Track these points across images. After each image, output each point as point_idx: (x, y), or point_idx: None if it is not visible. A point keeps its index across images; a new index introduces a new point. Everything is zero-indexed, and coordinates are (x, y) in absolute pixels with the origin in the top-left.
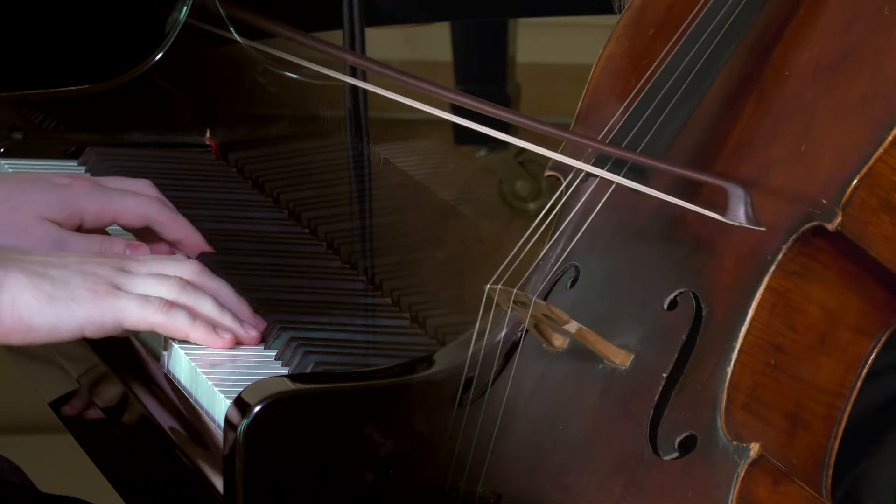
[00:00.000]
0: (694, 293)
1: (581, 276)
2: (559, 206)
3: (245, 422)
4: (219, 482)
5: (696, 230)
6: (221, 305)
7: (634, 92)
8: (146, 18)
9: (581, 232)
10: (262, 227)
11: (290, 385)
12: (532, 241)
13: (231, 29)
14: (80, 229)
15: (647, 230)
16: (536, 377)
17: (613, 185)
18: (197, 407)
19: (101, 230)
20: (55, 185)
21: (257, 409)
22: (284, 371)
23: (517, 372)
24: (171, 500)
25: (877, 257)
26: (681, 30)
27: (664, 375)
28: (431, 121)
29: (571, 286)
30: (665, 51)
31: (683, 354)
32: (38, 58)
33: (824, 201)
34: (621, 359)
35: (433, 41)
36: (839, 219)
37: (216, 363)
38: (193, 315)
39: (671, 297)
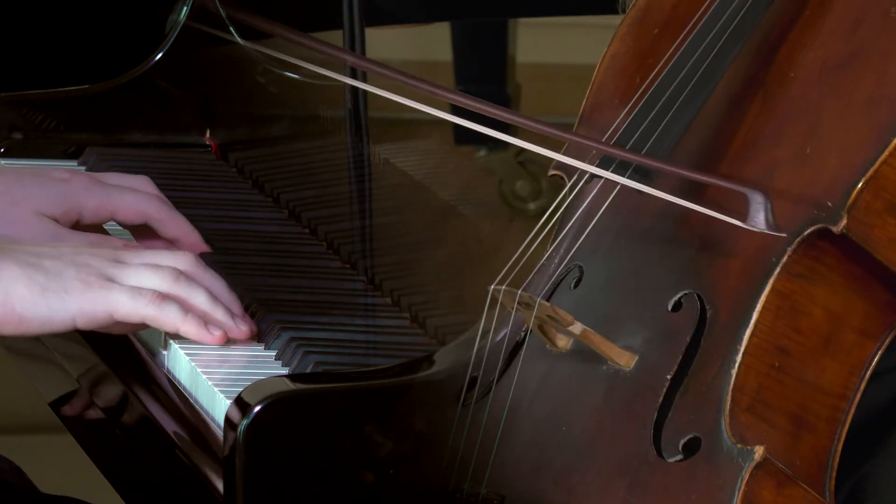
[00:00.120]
0: (698, 295)
1: (585, 276)
2: (564, 206)
3: (245, 422)
4: (219, 482)
5: (700, 232)
6: (215, 298)
7: (640, 92)
8: (146, 19)
9: (586, 233)
10: (262, 227)
11: (290, 385)
12: (537, 242)
13: (232, 30)
14: (78, 225)
15: (652, 231)
16: (540, 378)
17: (619, 186)
18: (197, 407)
19: (99, 226)
20: (54, 179)
21: (257, 409)
22: (284, 371)
23: (521, 372)
24: (171, 500)
25: (882, 260)
26: (686, 30)
27: (668, 377)
28: (431, 121)
29: (575, 287)
30: (670, 51)
31: (688, 356)
32: (38, 58)
33: (829, 204)
34: (625, 360)
35: (433, 41)
36: (844, 221)
37: (216, 363)
38: (186, 308)
39: (675, 298)
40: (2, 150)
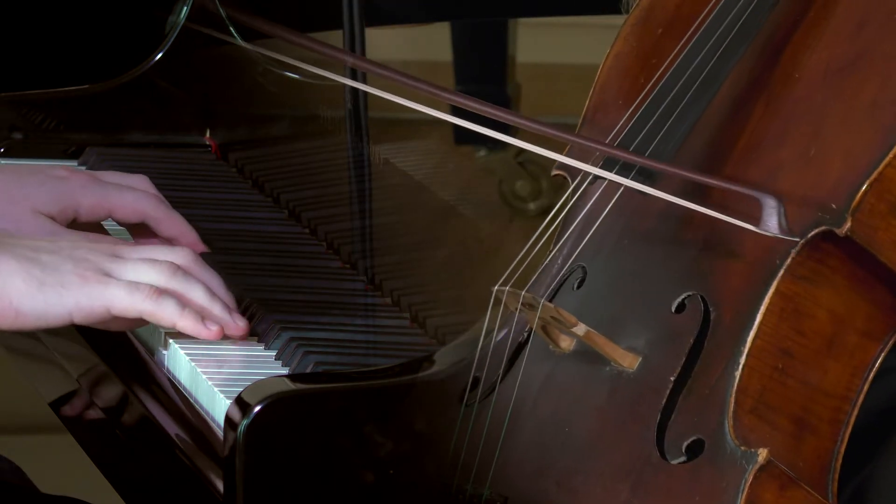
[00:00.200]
0: (702, 296)
1: (588, 277)
2: (567, 207)
3: (245, 422)
4: (219, 482)
5: (704, 233)
6: (212, 293)
7: (643, 93)
8: (146, 18)
9: (589, 234)
10: (262, 227)
11: (290, 385)
12: (541, 243)
13: (233, 31)
14: (75, 223)
15: (655, 232)
16: (543, 379)
17: (622, 187)
18: (197, 407)
19: (96, 224)
20: (52, 177)
21: (257, 408)
22: (284, 371)
23: (524, 373)
24: (171, 500)
25: (885, 262)
26: (690, 30)
27: (672, 379)
28: (431, 121)
29: (578, 287)
30: (674, 51)
31: (691, 358)
32: (38, 58)
33: (833, 206)
34: (629, 361)
35: (433, 41)
36: (849, 224)
37: (216, 363)
38: (183, 303)
39: (679, 300)
40: (2, 150)
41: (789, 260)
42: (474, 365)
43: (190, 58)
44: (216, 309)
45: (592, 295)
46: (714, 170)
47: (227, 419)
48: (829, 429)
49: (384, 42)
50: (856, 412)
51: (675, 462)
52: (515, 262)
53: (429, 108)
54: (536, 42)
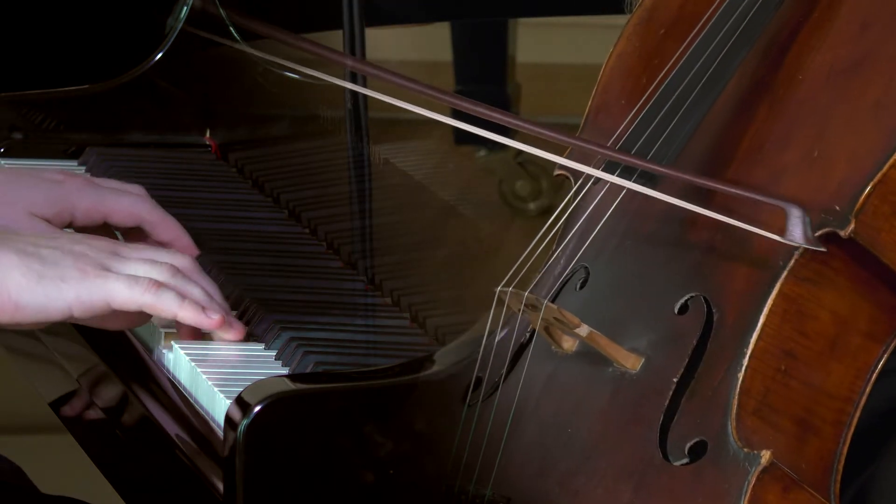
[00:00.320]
0: (705, 297)
1: (591, 278)
2: (571, 207)
3: (245, 421)
4: (219, 482)
5: (707, 234)
6: (209, 295)
7: (647, 94)
8: (146, 19)
9: (592, 234)
10: (262, 227)
11: (290, 385)
12: (544, 243)
13: (234, 32)
14: (71, 227)
15: (658, 233)
16: (545, 379)
17: (626, 189)
18: (197, 407)
19: (92, 228)
20: (48, 181)
21: (257, 408)
22: (284, 371)
23: (526, 374)
24: (171, 500)
25: (889, 263)
26: (693, 31)
27: (675, 380)
28: (431, 121)
29: (581, 288)
30: (677, 52)
31: (694, 359)
32: (38, 58)
33: (837, 208)
34: (632, 362)
35: (433, 41)
36: (852, 226)
37: (216, 363)
38: (182, 296)
39: (682, 301)
40: (2, 150)
41: (792, 261)
42: (477, 365)
43: (190, 58)
44: (215, 305)
45: (595, 296)
46: (717, 171)
47: (227, 419)
48: (832, 430)
49: (384, 42)
50: (858, 414)
51: (677, 464)
52: (518, 263)
53: (430, 112)
54: (536, 42)
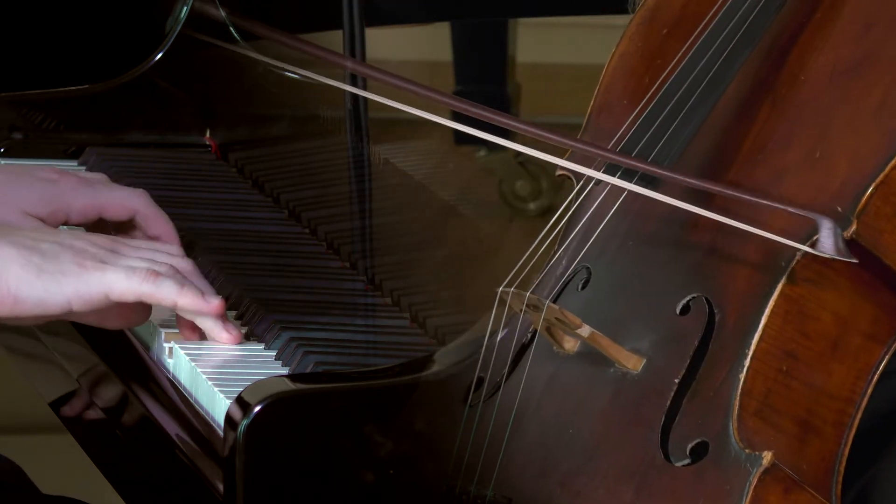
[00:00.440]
0: (707, 298)
1: (592, 278)
2: (573, 208)
3: (245, 421)
4: (219, 482)
5: (709, 235)
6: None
7: (649, 94)
8: (146, 19)
9: (594, 235)
10: (262, 227)
11: (290, 385)
12: (546, 244)
13: (234, 33)
14: (66, 225)
15: (660, 234)
16: (547, 380)
17: (627, 190)
18: (197, 407)
19: (87, 226)
20: (42, 179)
21: (257, 408)
22: (284, 371)
23: (528, 374)
24: (171, 500)
25: (890, 264)
26: (696, 31)
27: (676, 381)
28: (432, 121)
29: (583, 288)
30: (679, 52)
31: (696, 360)
32: (38, 58)
33: (839, 209)
34: (633, 363)
35: (433, 41)
36: (854, 227)
37: (216, 363)
38: (181, 285)
39: (684, 301)
40: (2, 150)
41: (794, 262)
42: (478, 365)
43: (190, 58)
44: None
45: (597, 296)
46: (720, 171)
47: (228, 419)
48: (834, 431)
49: (384, 42)
50: (860, 415)
51: (679, 464)
52: (520, 264)
53: (431, 115)
54: (536, 42)
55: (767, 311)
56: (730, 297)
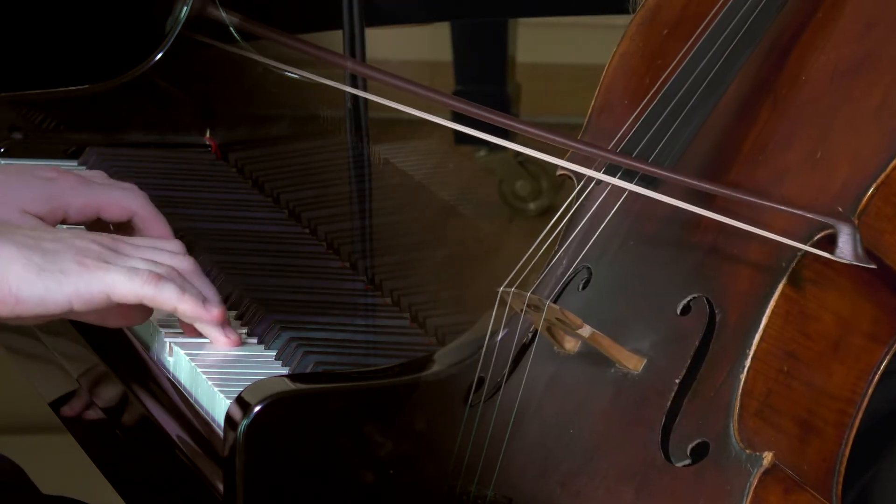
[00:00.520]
0: (707, 299)
1: (593, 278)
2: (574, 208)
3: (245, 421)
4: (219, 482)
5: (710, 236)
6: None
7: (650, 95)
8: (146, 19)
9: (595, 235)
10: (262, 227)
11: (290, 385)
12: (546, 244)
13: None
14: (64, 223)
15: (661, 234)
16: (547, 380)
17: (628, 189)
18: (197, 407)
19: (87, 225)
20: (40, 178)
21: (257, 408)
22: (284, 371)
23: (528, 374)
24: (171, 500)
25: (891, 265)
26: (696, 31)
27: (677, 381)
28: (431, 121)
29: (583, 288)
30: (680, 53)
31: (696, 360)
32: (38, 58)
33: (840, 209)
34: (634, 363)
35: (433, 41)
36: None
37: (216, 363)
38: (182, 290)
39: (684, 302)
40: (2, 150)
41: (795, 263)
42: (479, 365)
43: (190, 58)
44: (215, 301)
45: (598, 296)
46: (720, 172)
47: (228, 419)
48: (834, 432)
49: (384, 42)
50: (860, 415)
51: (679, 465)
52: (521, 264)
53: (431, 116)
54: (536, 42)
55: (768, 312)
56: (731, 298)
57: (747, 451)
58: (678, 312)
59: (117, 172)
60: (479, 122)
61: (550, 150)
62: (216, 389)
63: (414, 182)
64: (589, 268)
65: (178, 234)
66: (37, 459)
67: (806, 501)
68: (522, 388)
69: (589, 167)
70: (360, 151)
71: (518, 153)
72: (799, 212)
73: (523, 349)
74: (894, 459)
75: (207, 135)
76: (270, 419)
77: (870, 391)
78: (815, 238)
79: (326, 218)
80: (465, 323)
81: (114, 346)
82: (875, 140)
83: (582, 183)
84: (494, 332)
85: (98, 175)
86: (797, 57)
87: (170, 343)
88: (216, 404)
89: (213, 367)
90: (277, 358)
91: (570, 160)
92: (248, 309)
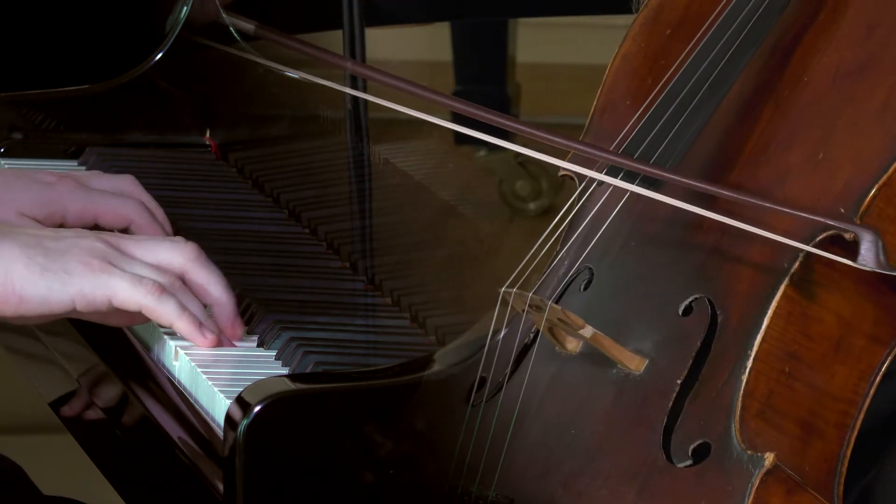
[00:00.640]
0: (709, 299)
1: (595, 279)
2: (576, 208)
3: (245, 421)
4: (219, 482)
5: (712, 236)
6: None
7: (652, 95)
8: (146, 19)
9: (597, 236)
10: (262, 227)
11: (290, 385)
12: (548, 244)
13: (236, 35)
14: (62, 227)
15: (663, 235)
16: (549, 380)
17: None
18: (197, 407)
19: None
20: (39, 182)
21: (257, 408)
22: (284, 371)
23: (530, 375)
24: (171, 500)
25: (893, 266)
26: (699, 32)
27: (678, 382)
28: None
29: (585, 289)
30: (683, 53)
31: (698, 361)
32: (38, 58)
33: (842, 210)
34: (635, 364)
35: (433, 41)
36: None
37: (216, 363)
38: (183, 306)
39: (686, 302)
40: (2, 150)
41: (797, 264)
42: (481, 365)
43: (190, 58)
44: (210, 324)
45: (599, 297)
46: (723, 172)
47: (228, 419)
48: (836, 433)
49: (384, 42)
50: (862, 416)
51: (681, 465)
52: (523, 264)
53: (430, 116)
54: (536, 42)
55: (770, 313)
56: (732, 298)
57: (749, 452)
58: (680, 313)
59: (117, 173)
60: (480, 122)
61: (551, 150)
62: (216, 389)
63: (414, 182)
64: (590, 268)
65: (178, 234)
66: (37, 459)
67: (807, 502)
68: (524, 389)
69: (591, 168)
70: (360, 151)
71: (518, 153)
72: (801, 213)
73: (525, 349)
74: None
75: (207, 135)
76: (270, 419)
77: (871, 392)
78: (818, 239)
79: (326, 218)
80: (466, 323)
81: (114, 346)
82: (877, 141)
83: (584, 184)
84: (496, 332)
85: (97, 175)
86: (799, 58)
87: (170, 343)
88: (216, 404)
89: (213, 367)
90: (277, 358)
91: (571, 161)
92: (248, 309)
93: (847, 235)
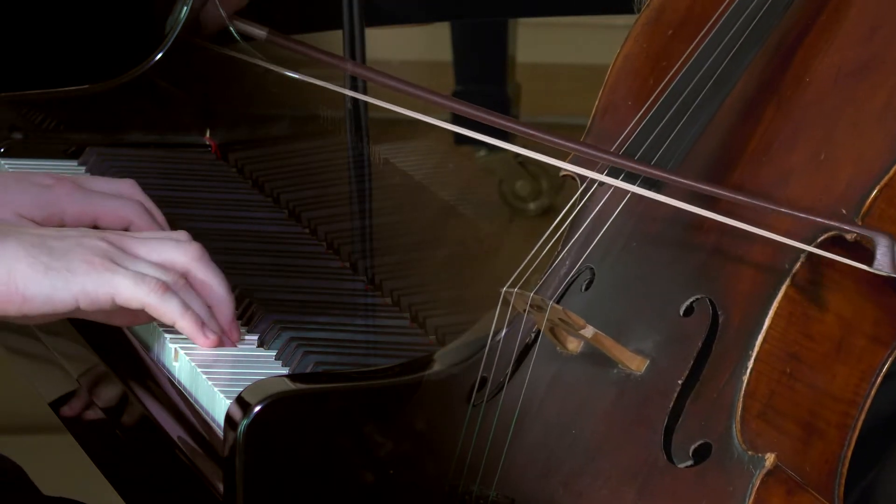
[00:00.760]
0: (710, 300)
1: (596, 279)
2: (577, 208)
3: (245, 421)
4: (219, 482)
5: (713, 237)
6: (210, 315)
7: (654, 95)
8: (146, 19)
9: (598, 236)
10: (262, 227)
11: (290, 385)
12: (550, 244)
13: (233, 32)
14: None
15: (664, 235)
16: (550, 380)
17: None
18: (197, 407)
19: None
20: (37, 185)
21: (257, 408)
22: (284, 371)
23: (531, 375)
24: (171, 500)
25: None
26: (701, 33)
27: (679, 382)
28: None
29: (586, 289)
30: (685, 53)
31: (699, 361)
32: (38, 58)
33: (843, 211)
34: (636, 364)
35: (433, 41)
36: None
37: (216, 363)
38: (186, 305)
39: (687, 303)
40: (2, 150)
41: (798, 264)
42: (482, 365)
43: (190, 58)
44: (213, 324)
45: (600, 297)
46: (725, 172)
47: (228, 419)
48: (837, 433)
49: (384, 42)
50: (863, 417)
51: (681, 466)
52: (524, 264)
53: (430, 118)
54: (536, 42)
55: (771, 313)
56: (733, 299)
57: (750, 453)
58: (681, 313)
59: (117, 173)
60: (479, 123)
61: (551, 151)
62: (216, 389)
63: (414, 182)
64: (592, 268)
65: None
66: (37, 459)
67: (808, 503)
68: (525, 389)
69: (592, 169)
70: (360, 151)
71: (518, 153)
72: (801, 214)
73: (526, 349)
74: None
75: (207, 135)
76: (270, 419)
77: (872, 393)
78: (819, 240)
79: (326, 218)
80: (466, 323)
81: (114, 346)
82: (879, 142)
83: (585, 184)
84: (497, 332)
85: (96, 179)
86: (801, 59)
87: (170, 344)
88: (216, 404)
89: (213, 367)
90: (277, 358)
91: (572, 161)
92: (248, 309)
93: (849, 236)
